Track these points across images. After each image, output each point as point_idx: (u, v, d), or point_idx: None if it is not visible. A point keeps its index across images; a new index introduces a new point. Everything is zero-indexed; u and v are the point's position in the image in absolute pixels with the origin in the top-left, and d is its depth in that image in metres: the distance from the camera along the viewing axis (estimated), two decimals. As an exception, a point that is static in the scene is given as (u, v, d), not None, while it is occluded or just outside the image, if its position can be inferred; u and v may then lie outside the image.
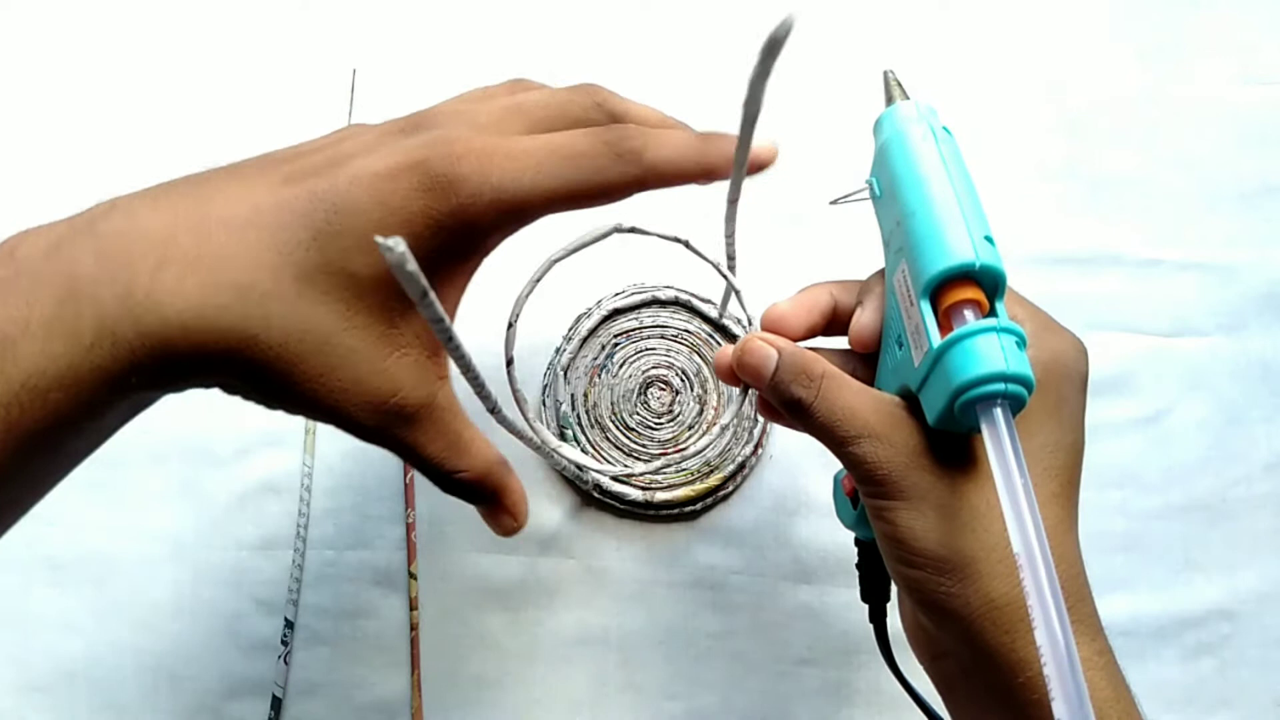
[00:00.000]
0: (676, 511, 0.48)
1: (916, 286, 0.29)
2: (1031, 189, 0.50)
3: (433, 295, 0.23)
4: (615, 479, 0.48)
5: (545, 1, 0.52)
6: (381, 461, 0.49)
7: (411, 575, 0.48)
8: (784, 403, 0.32)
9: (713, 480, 0.48)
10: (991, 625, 0.29)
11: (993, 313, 0.29)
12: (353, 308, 0.28)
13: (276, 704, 0.47)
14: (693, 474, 0.48)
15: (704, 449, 0.38)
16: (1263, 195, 0.49)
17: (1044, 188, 0.50)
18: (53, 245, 0.27)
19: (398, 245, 0.21)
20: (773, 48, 0.24)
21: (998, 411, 0.27)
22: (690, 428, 0.49)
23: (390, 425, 0.30)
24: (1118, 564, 0.48)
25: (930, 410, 0.29)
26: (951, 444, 0.30)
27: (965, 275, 0.29)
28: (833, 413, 0.31)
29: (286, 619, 0.48)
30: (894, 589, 0.34)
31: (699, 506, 0.48)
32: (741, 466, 0.48)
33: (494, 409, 0.32)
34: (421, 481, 0.49)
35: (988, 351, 0.27)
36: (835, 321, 0.35)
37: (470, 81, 0.52)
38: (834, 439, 0.31)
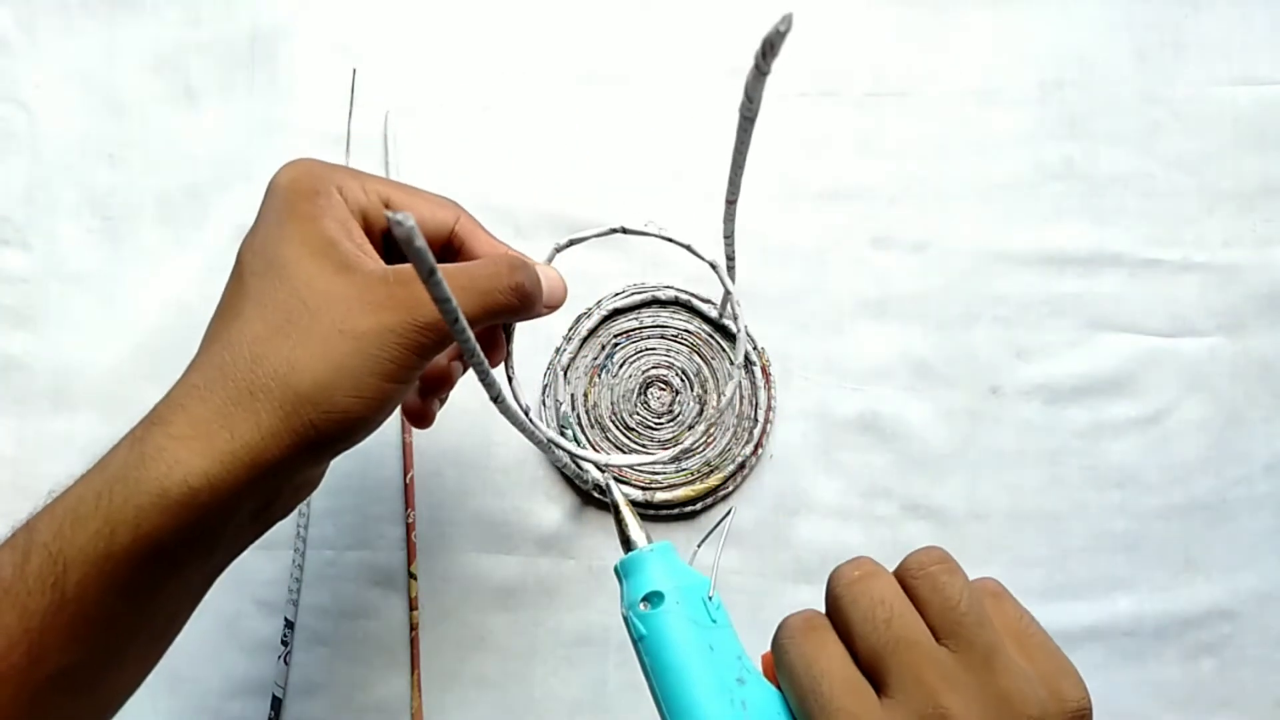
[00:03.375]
0: (676, 511, 0.48)
1: None
2: (1031, 189, 0.50)
3: (440, 274, 0.23)
4: (605, 471, 0.48)
5: (545, 1, 0.52)
6: (381, 461, 0.49)
7: (411, 575, 0.48)
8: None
9: (713, 480, 0.48)
10: None
11: None
12: None
13: (276, 704, 0.47)
14: (693, 474, 0.48)
15: (691, 441, 0.38)
16: (1263, 195, 0.49)
17: (1044, 188, 0.50)
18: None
19: (407, 220, 0.20)
20: (770, 47, 0.24)
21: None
22: (690, 427, 0.49)
23: None
24: (1118, 564, 0.48)
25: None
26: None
27: None
28: None
29: (286, 619, 0.48)
30: None
31: (699, 506, 0.48)
32: (741, 466, 0.48)
33: (496, 397, 0.32)
34: (421, 481, 0.49)
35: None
36: None
37: (469, 81, 0.52)
38: None
